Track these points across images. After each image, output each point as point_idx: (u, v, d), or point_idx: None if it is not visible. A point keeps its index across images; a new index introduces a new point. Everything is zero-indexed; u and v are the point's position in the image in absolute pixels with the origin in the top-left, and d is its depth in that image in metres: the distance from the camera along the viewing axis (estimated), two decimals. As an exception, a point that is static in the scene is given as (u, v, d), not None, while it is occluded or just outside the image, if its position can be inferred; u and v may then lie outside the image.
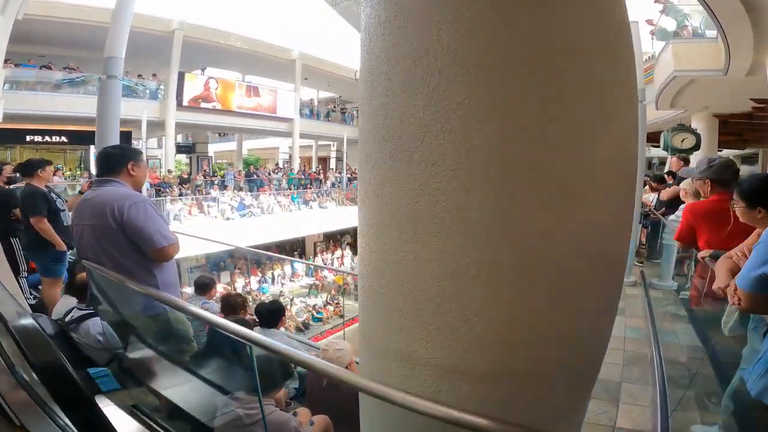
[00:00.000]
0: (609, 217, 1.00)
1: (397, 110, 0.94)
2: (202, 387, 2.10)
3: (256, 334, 1.54)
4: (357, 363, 2.36)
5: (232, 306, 3.58)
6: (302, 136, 19.83)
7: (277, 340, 3.10)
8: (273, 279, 15.79)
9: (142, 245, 1.97)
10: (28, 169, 3.62)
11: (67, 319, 2.62)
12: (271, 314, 3.30)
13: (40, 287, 3.81)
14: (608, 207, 1.00)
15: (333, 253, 18.68)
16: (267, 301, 6.04)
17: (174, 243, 2.06)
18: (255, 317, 3.84)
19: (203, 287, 4.03)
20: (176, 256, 2.16)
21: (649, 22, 10.32)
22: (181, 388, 2.21)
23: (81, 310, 2.64)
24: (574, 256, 0.94)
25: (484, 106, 0.86)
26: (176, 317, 2.15)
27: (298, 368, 3.05)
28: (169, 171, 13.63)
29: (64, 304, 2.83)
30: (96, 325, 2.55)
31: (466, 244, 0.90)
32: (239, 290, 14.20)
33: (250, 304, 4.85)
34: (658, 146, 17.09)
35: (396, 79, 0.93)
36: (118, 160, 2.14)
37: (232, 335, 1.52)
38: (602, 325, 1.14)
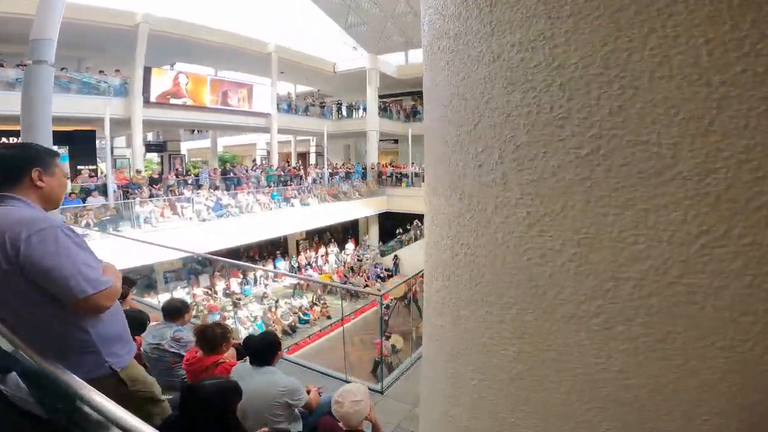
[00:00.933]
0: None
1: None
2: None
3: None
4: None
5: (209, 341, 2.90)
6: (280, 131, 19.23)
7: (278, 377, 2.61)
8: (255, 280, 15.21)
9: (55, 293, 1.35)
10: None
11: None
12: (265, 349, 2.73)
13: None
14: None
15: (317, 252, 18.16)
16: (257, 333, 5.20)
17: (108, 288, 1.41)
18: (235, 345, 3.35)
19: (174, 312, 3.44)
20: (149, 261, 1.57)
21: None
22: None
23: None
24: None
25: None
26: (130, 374, 1.63)
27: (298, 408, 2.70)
28: (138, 171, 12.82)
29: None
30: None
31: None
32: (219, 294, 13.63)
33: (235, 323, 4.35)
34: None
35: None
36: (16, 165, 1.46)
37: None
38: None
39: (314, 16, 19.52)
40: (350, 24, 18.94)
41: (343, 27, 19.17)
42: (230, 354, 3.33)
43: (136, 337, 3.35)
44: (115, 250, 8.59)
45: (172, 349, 3.17)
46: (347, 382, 3.88)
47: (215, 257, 10.52)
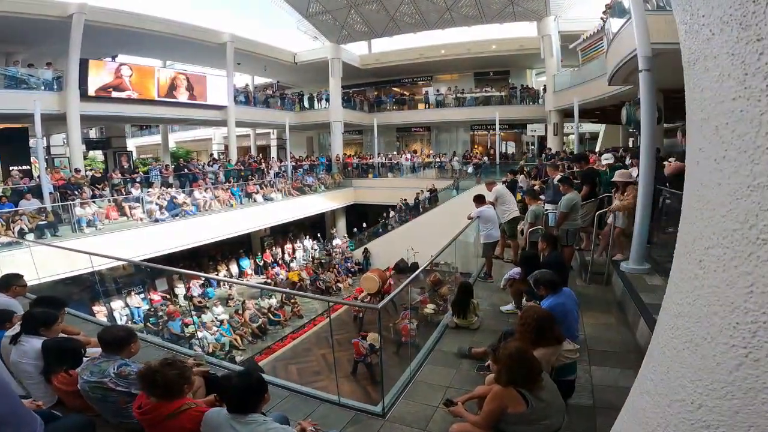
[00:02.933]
0: None
1: None
2: None
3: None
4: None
5: (165, 388, 2.21)
6: (239, 124, 18.34)
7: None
8: (218, 281, 14.34)
9: None
10: None
11: None
12: (248, 396, 2.15)
13: None
14: None
15: (283, 248, 17.44)
16: (228, 365, 4.52)
17: None
18: (203, 374, 2.85)
19: (115, 344, 2.73)
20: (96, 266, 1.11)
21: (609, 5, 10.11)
22: None
23: None
24: None
25: None
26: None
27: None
28: (77, 170, 11.64)
29: None
30: None
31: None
32: (179, 297, 12.71)
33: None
34: (596, 121, 17.85)
35: None
36: None
37: None
38: None
39: (273, 5, 18.54)
40: (312, 12, 18.20)
41: (304, 15, 18.38)
42: (197, 385, 2.75)
43: (71, 371, 2.77)
44: (53, 257, 7.65)
45: (119, 388, 2.55)
46: (340, 405, 3.41)
47: (154, 265, 9.63)
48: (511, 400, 2.31)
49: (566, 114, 15.67)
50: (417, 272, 4.94)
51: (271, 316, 12.27)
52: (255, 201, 14.69)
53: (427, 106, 21.28)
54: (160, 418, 2.19)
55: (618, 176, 5.59)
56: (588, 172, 6.49)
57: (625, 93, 10.28)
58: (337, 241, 18.55)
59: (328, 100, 20.58)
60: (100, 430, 2.66)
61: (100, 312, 9.45)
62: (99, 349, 2.80)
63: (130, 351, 2.78)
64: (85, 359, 2.84)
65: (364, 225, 18.99)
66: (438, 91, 21.42)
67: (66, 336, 3.29)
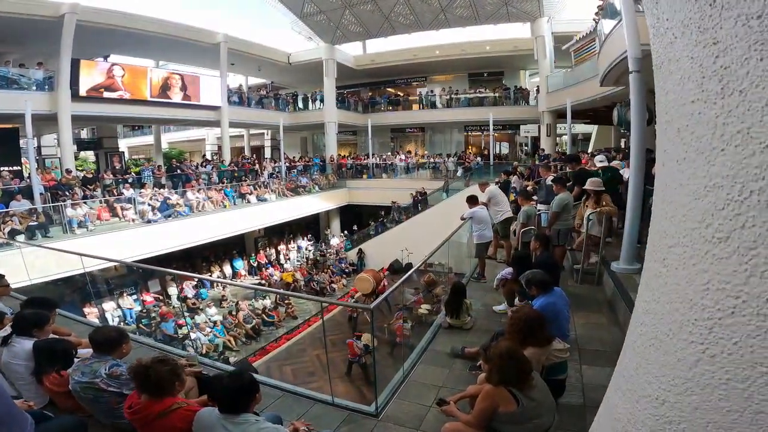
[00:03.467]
0: None
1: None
2: None
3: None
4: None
5: (156, 385, 2.20)
6: (232, 125, 18.25)
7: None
8: (212, 282, 14.27)
9: None
10: None
11: None
12: (239, 395, 2.14)
13: None
14: None
15: (277, 249, 17.39)
16: (222, 366, 4.48)
17: None
18: (196, 374, 2.85)
19: (107, 344, 2.72)
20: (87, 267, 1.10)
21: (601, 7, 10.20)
22: None
23: None
24: None
25: None
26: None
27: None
28: (68, 171, 11.53)
29: None
30: None
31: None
32: (172, 298, 12.65)
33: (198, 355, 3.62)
34: (589, 122, 17.99)
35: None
36: None
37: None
38: None
39: (266, 6, 18.49)
40: (306, 13, 18.17)
41: (298, 16, 18.34)
42: (189, 386, 2.75)
43: (62, 372, 2.77)
44: (44, 258, 7.59)
45: (111, 388, 2.55)
46: (334, 405, 3.42)
47: (145, 266, 9.62)
48: (502, 399, 2.33)
49: (559, 115, 15.79)
50: (410, 272, 4.97)
51: (265, 317, 12.24)
52: (248, 202, 14.63)
53: (421, 107, 21.33)
54: (151, 418, 2.18)
55: (590, 184, 5.48)
56: (580, 173, 6.56)
57: (617, 94, 10.39)
58: (334, 240, 18.52)
59: (322, 100, 20.54)
60: (93, 431, 2.65)
61: (91, 313, 9.38)
62: (90, 350, 2.79)
63: (122, 352, 2.78)
64: (76, 360, 2.84)
65: (355, 228, 18.98)
66: (432, 91, 21.49)
67: (57, 337, 3.28)
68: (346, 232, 19.11)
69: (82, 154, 22.42)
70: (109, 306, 11.03)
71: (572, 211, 5.82)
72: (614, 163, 7.18)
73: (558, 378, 3.05)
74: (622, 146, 13.00)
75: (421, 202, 16.39)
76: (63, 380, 2.73)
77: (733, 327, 0.70)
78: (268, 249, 17.23)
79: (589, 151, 15.20)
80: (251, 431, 2.06)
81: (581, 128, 19.98)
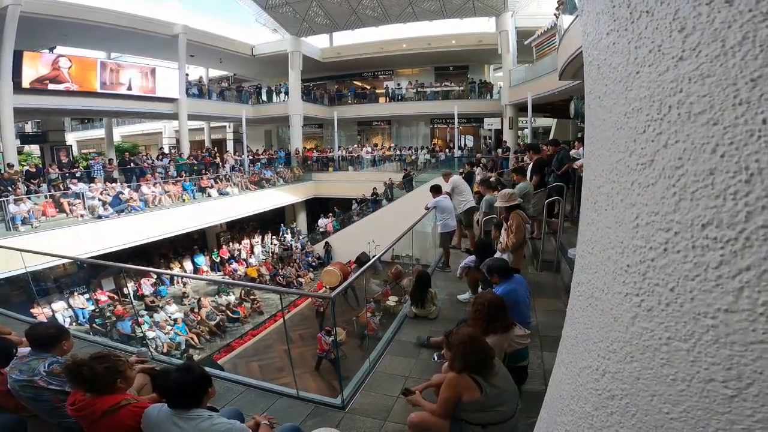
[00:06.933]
0: None
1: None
2: None
3: None
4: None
5: (91, 382, 2.07)
6: (191, 117, 17.48)
7: (215, 426, 1.96)
8: (172, 278, 13.68)
9: None
10: None
11: None
12: (188, 391, 2.02)
13: None
14: None
15: (240, 243, 16.92)
16: (178, 363, 4.28)
17: None
18: (148, 370, 2.72)
19: (45, 341, 2.58)
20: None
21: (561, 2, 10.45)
22: None
23: None
24: None
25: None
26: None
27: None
28: (9, 165, 10.71)
29: None
30: None
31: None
32: (129, 297, 12.04)
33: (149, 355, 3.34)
34: (548, 115, 18.57)
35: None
36: None
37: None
38: None
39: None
40: (272, 4, 17.59)
41: (263, 8, 17.74)
42: (140, 383, 2.62)
43: (1, 370, 2.59)
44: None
45: (51, 386, 2.42)
46: (299, 399, 3.34)
47: (93, 260, 9.13)
48: (466, 387, 2.31)
49: (521, 108, 16.18)
50: (372, 260, 4.94)
51: (230, 314, 11.89)
52: (209, 196, 14.11)
53: (387, 100, 21.27)
54: (97, 415, 2.06)
55: (499, 200, 4.77)
56: (538, 162, 6.74)
57: (575, 88, 10.74)
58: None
59: (287, 93, 20.06)
60: (39, 431, 2.52)
61: (40, 315, 8.78)
62: (29, 349, 2.62)
63: (62, 349, 2.63)
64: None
65: (318, 224, 18.62)
66: (399, 85, 21.46)
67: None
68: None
69: (27, 148, 20.89)
70: (59, 306, 10.36)
71: (532, 200, 5.99)
72: (572, 153, 7.42)
73: (520, 365, 3.09)
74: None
75: (389, 192, 16.33)
76: (2, 378, 2.58)
77: (667, 268, 0.61)
78: (231, 244, 16.73)
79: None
80: (203, 427, 1.95)
81: (542, 122, 20.58)
